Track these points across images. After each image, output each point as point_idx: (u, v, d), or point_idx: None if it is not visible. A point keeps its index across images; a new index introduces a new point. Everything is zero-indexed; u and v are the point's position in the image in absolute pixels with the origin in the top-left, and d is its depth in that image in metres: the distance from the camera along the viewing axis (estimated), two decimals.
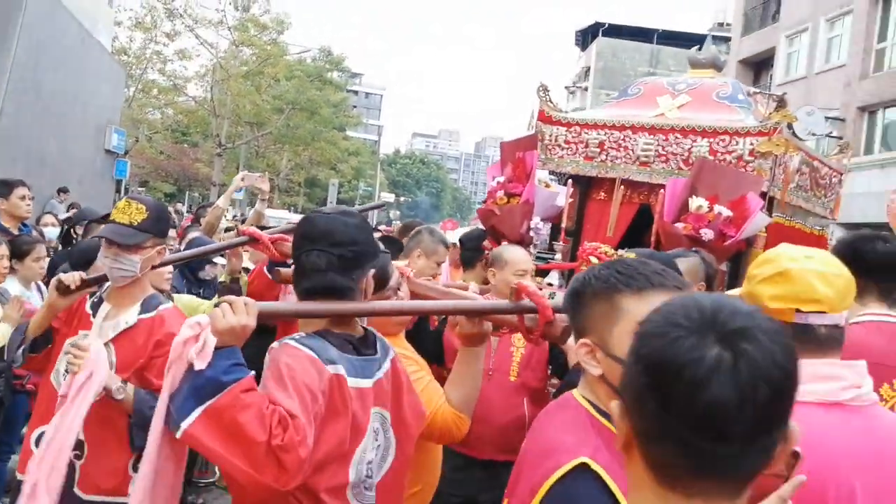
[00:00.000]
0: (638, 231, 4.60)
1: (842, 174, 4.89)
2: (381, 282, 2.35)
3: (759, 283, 1.72)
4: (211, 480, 5.48)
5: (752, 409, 0.89)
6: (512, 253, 3.61)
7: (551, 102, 4.51)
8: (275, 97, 31.11)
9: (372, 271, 2.04)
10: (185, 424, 1.66)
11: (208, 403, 1.66)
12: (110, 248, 2.62)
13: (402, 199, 68.30)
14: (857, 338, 2.20)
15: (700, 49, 5.25)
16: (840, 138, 19.75)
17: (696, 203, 3.67)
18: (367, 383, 1.93)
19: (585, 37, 46.55)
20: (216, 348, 1.72)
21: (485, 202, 4.79)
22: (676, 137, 4.06)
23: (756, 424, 0.91)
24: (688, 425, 0.92)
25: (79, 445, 2.53)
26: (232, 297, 1.82)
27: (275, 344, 1.88)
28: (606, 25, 44.38)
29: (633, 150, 4.16)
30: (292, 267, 2.09)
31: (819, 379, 1.62)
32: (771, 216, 4.07)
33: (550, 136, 4.43)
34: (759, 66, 26.46)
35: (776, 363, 0.91)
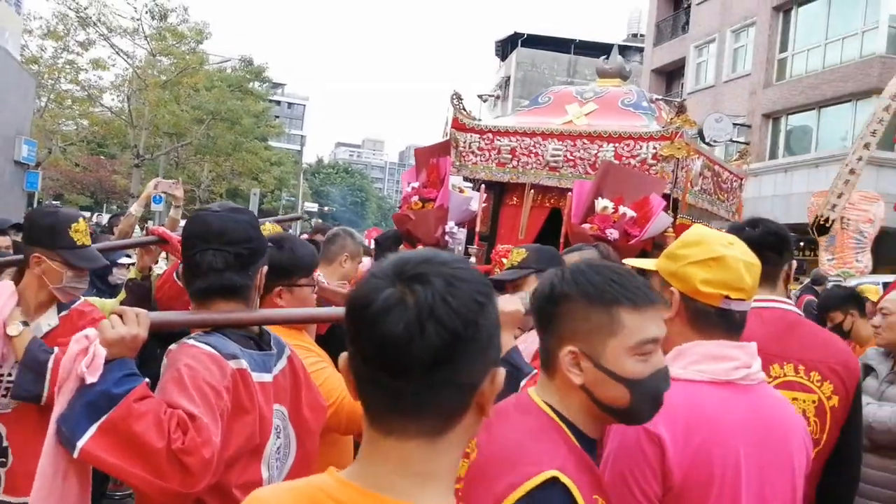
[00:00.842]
0: (549, 234, 4.79)
1: (742, 179, 5.15)
2: (293, 269, 2.43)
3: (689, 264, 1.74)
4: (127, 492, 5.34)
5: (422, 346, 0.93)
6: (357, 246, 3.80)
7: (465, 110, 4.64)
8: (194, 107, 30.46)
9: (265, 268, 2.04)
10: (80, 443, 1.61)
11: (103, 418, 1.62)
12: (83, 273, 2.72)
13: (326, 208, 67.73)
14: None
15: (608, 59, 5.48)
16: (747, 144, 20.67)
17: (602, 204, 3.81)
18: (268, 377, 1.93)
19: (505, 47, 47.17)
20: (107, 361, 1.67)
21: (400, 207, 4.87)
22: (584, 143, 4.22)
23: (431, 361, 0.93)
24: (366, 359, 0.97)
25: (2, 452, 2.53)
26: (122, 308, 1.78)
27: (173, 346, 1.85)
28: (525, 36, 45.07)
29: (543, 156, 4.32)
30: (182, 266, 2.04)
31: (712, 359, 1.70)
32: (675, 218, 4.25)
33: (464, 143, 4.56)
34: (670, 76, 27.41)
35: (448, 305, 0.94)
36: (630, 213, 3.78)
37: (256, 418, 1.82)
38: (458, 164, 4.65)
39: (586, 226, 3.96)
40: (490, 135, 4.44)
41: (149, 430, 1.61)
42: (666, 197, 4.06)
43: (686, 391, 1.65)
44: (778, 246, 2.36)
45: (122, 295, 3.58)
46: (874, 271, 11.20)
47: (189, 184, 32.77)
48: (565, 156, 4.25)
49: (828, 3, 18.95)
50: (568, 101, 4.65)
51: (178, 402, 1.67)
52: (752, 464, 1.63)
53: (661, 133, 3.99)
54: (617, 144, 4.14)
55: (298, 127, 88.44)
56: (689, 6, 25.67)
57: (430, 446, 0.99)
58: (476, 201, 4.91)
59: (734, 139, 20.32)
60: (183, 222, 3.05)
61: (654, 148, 4.02)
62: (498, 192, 4.82)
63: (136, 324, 1.74)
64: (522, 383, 2.69)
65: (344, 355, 1.04)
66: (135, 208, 5.40)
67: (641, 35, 35.83)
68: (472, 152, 4.54)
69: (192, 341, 1.82)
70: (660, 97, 4.42)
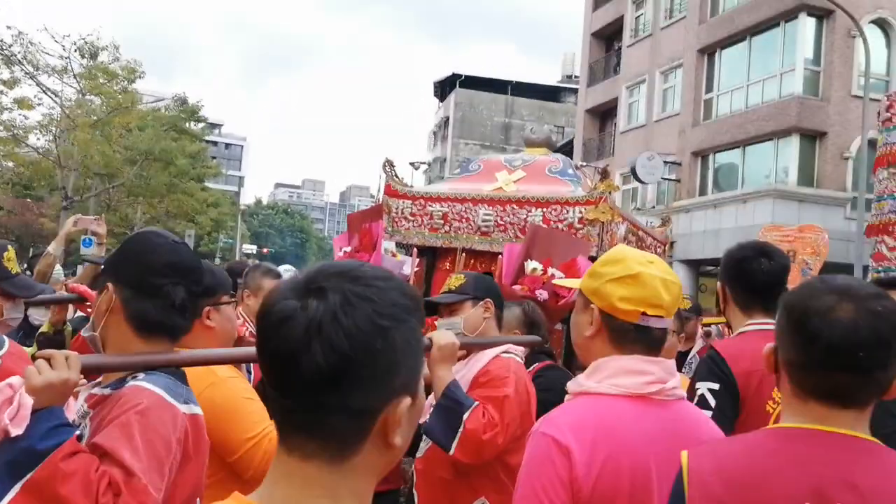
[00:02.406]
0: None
1: (665, 244, 5.24)
2: (216, 288, 2.38)
3: (608, 282, 1.77)
4: None
5: (308, 363, 0.87)
6: (266, 280, 3.80)
7: (397, 177, 4.66)
8: (127, 147, 29.93)
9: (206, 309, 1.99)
10: None
11: (25, 478, 1.48)
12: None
13: (265, 249, 67.03)
14: (754, 346, 2.33)
15: (534, 130, 5.57)
16: (678, 181, 21.23)
17: (531, 266, 3.86)
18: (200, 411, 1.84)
19: (444, 88, 47.83)
20: (34, 411, 1.52)
21: None
22: (513, 208, 4.28)
23: (317, 380, 0.88)
24: (265, 374, 0.93)
25: None
26: (50, 351, 1.63)
27: (125, 388, 1.71)
28: (463, 77, 45.80)
29: (474, 221, 4.36)
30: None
31: (626, 373, 1.73)
32: None
33: (397, 209, 4.57)
34: (604, 115, 28.09)
35: (337, 323, 0.88)
36: (559, 274, 3.84)
37: (201, 464, 1.74)
38: (390, 229, 4.65)
39: (517, 287, 4.02)
40: (422, 200, 4.48)
41: (75, 494, 1.48)
42: (593, 259, 4.14)
43: (598, 404, 1.70)
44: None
45: (34, 348, 3.40)
46: None
47: (122, 226, 32.04)
48: (496, 221, 4.33)
49: (748, 46, 19.73)
50: (497, 169, 4.75)
51: (119, 453, 1.55)
52: (665, 477, 1.63)
53: (586, 198, 4.10)
54: (545, 209, 4.23)
55: (236, 168, 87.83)
56: (619, 48, 26.45)
57: (332, 469, 0.92)
58: (409, 266, 4.93)
59: (665, 177, 20.87)
60: None
61: (581, 212, 4.12)
62: (430, 257, 4.84)
63: (67, 367, 1.59)
64: (465, 416, 2.65)
65: None
66: (53, 247, 5.20)
67: (576, 76, 36.77)
68: (405, 218, 4.56)
69: (144, 383, 1.69)
70: (584, 164, 4.56)
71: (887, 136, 4.58)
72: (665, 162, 20.57)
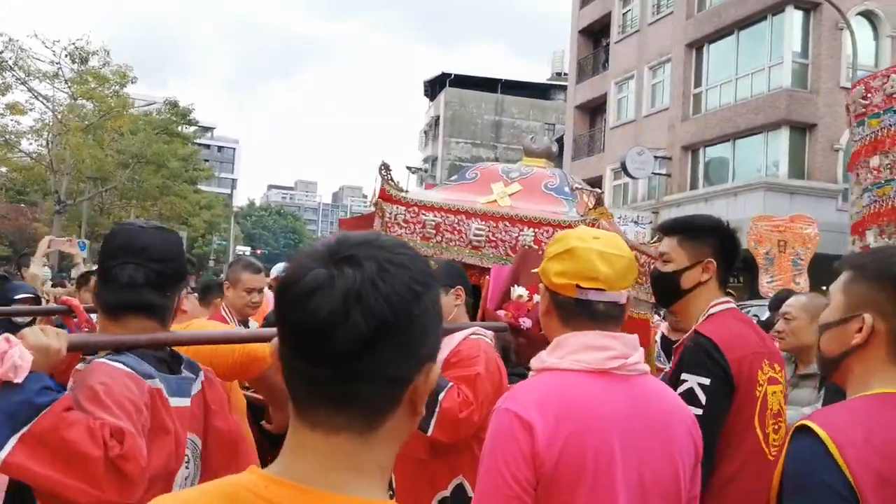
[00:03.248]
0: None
1: (660, 259, 5.16)
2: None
3: (548, 259, 1.83)
4: None
5: (346, 331, 0.87)
6: (245, 273, 4.21)
7: (392, 181, 4.63)
8: (119, 151, 29.94)
9: (184, 291, 2.00)
10: (2, 454, 1.50)
11: (26, 428, 1.51)
12: None
13: (258, 251, 66.89)
14: (736, 329, 2.37)
15: (535, 139, 5.50)
16: (668, 175, 21.36)
17: (517, 292, 3.74)
18: (186, 402, 1.86)
19: (434, 87, 47.79)
20: None
21: None
22: (506, 225, 4.17)
23: (354, 348, 0.88)
24: (291, 346, 0.92)
25: None
26: (41, 325, 1.72)
27: (80, 366, 1.76)
28: (453, 76, 45.80)
29: (466, 234, 4.27)
30: (95, 278, 1.95)
31: (587, 349, 1.74)
32: None
33: (390, 214, 4.51)
34: (593, 111, 28.19)
35: (378, 291, 0.88)
36: None
37: (173, 441, 1.76)
38: (383, 234, 4.65)
39: (501, 312, 4.02)
40: (416, 208, 4.42)
41: (83, 439, 1.50)
42: None
43: (560, 380, 1.72)
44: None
45: None
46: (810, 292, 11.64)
47: None
48: (487, 236, 4.25)
49: (736, 40, 19.87)
50: (494, 180, 4.65)
51: (97, 415, 1.56)
52: (630, 451, 1.66)
53: (578, 222, 4.05)
54: (537, 229, 4.13)
55: (229, 170, 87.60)
56: (608, 44, 26.54)
57: (361, 441, 0.92)
58: None
59: (656, 171, 21.00)
60: None
61: None
62: None
63: (57, 338, 1.66)
64: (441, 397, 2.75)
65: (275, 340, 0.97)
66: (34, 268, 5.33)
67: (565, 74, 36.83)
68: (398, 224, 4.50)
69: (104, 360, 1.73)
70: (579, 185, 4.52)
71: (867, 125, 4.64)
72: (655, 157, 20.68)
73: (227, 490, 0.93)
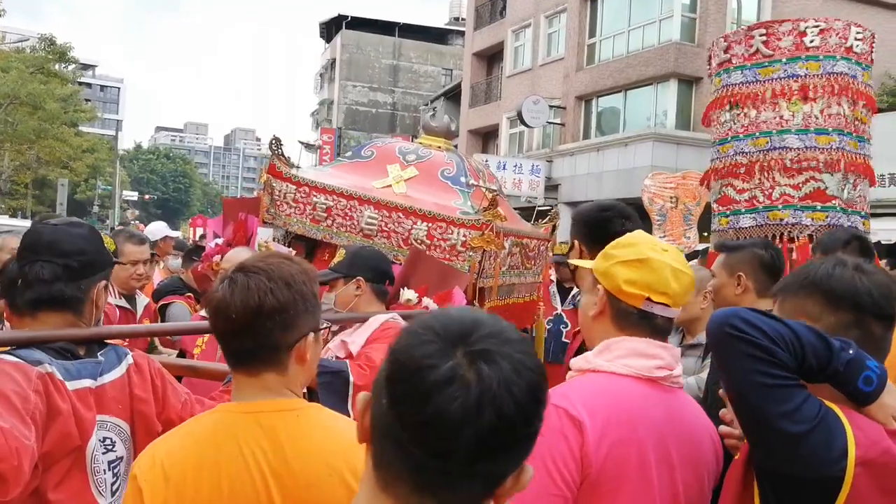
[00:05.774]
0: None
1: (549, 241, 5.12)
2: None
3: (617, 263, 1.77)
4: None
5: (474, 432, 0.86)
6: (128, 245, 4.15)
7: (283, 157, 4.40)
8: None
9: (103, 282, 2.01)
10: None
11: None
12: None
13: (146, 196, 64.32)
14: None
15: (434, 116, 5.35)
16: (562, 125, 21.75)
17: (406, 296, 3.68)
18: (88, 384, 1.88)
19: (329, 29, 46.70)
20: None
21: (201, 263, 4.54)
22: (399, 216, 3.99)
23: (476, 449, 0.87)
24: (407, 430, 0.89)
25: None
26: None
27: None
28: (349, 18, 44.82)
29: (358, 221, 4.07)
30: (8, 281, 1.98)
31: (637, 355, 1.74)
32: (484, 305, 4.12)
33: (280, 191, 4.27)
34: (490, 59, 28.24)
35: (511, 394, 0.87)
36: (433, 305, 3.68)
37: (71, 418, 1.79)
38: (272, 211, 4.37)
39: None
40: (307, 189, 4.23)
41: None
42: (474, 287, 3.96)
43: (611, 384, 1.72)
44: None
45: None
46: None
47: None
48: (380, 226, 4.06)
49: None
50: (390, 160, 4.41)
51: None
52: (664, 461, 1.67)
53: (472, 222, 3.95)
54: (430, 224, 3.96)
55: (113, 111, 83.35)
56: None
57: None
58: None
59: (551, 121, 21.34)
60: None
61: (465, 235, 3.90)
62: (310, 245, 4.52)
63: None
64: (349, 376, 2.81)
65: (364, 394, 0.98)
66: None
67: (463, 19, 36.61)
68: (287, 203, 4.25)
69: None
70: (476, 184, 4.36)
71: (726, 77, 4.76)
72: (550, 106, 20.99)
73: None
